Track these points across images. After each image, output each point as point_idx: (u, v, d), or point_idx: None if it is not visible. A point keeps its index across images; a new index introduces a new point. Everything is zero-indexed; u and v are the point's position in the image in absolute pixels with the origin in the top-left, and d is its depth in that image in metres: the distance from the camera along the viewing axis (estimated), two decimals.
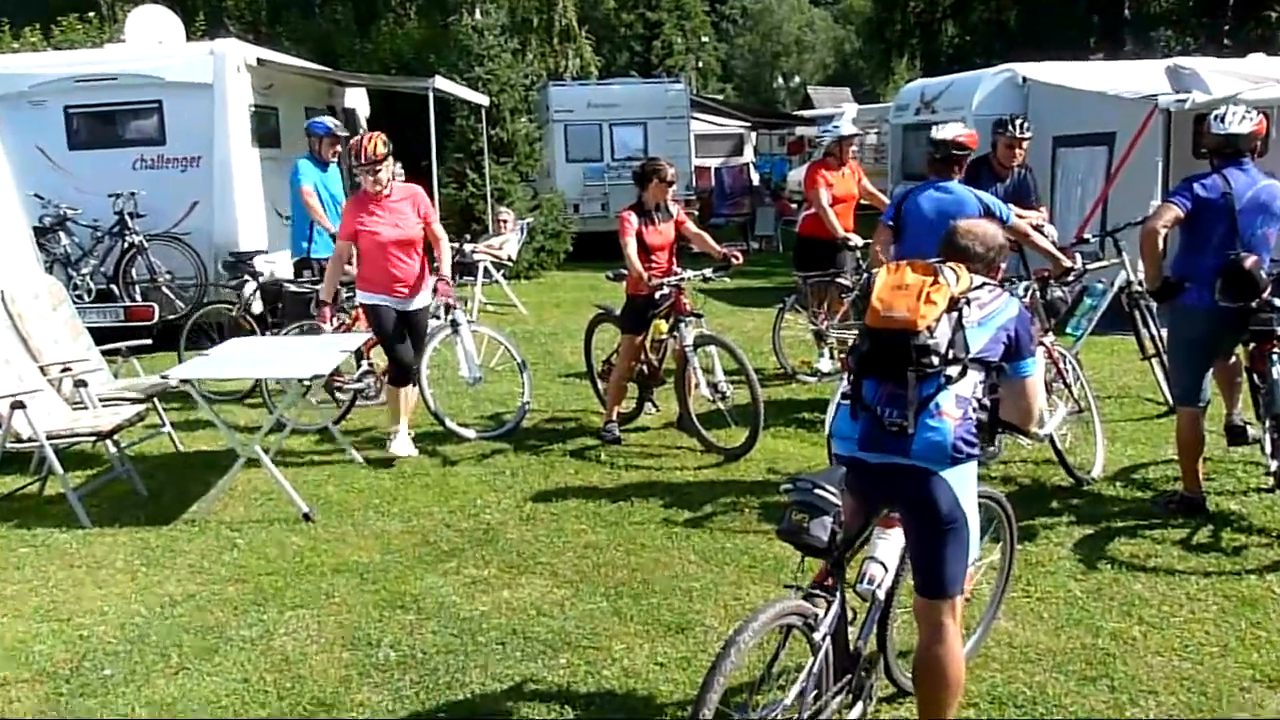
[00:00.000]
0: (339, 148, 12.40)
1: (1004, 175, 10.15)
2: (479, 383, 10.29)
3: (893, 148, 20.95)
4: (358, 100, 20.05)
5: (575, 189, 25.40)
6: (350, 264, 9.83)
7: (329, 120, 12.56)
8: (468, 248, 17.92)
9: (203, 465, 9.78)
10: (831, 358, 12.34)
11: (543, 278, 22.57)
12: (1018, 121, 10.08)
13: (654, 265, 9.84)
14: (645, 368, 10.33)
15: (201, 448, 10.39)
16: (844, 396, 4.91)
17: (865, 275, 11.22)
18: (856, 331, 7.56)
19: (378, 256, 9.44)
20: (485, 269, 18.27)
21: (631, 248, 9.65)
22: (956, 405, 4.67)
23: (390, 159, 9.46)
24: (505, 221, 20.07)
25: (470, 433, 10.40)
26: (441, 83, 17.88)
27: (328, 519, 8.38)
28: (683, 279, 9.78)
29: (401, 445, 9.84)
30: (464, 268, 17.56)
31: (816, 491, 4.63)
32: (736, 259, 9.80)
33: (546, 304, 19.06)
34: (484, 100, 22.01)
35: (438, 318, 10.27)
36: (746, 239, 27.16)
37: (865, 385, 4.79)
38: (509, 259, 19.45)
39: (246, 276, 13.45)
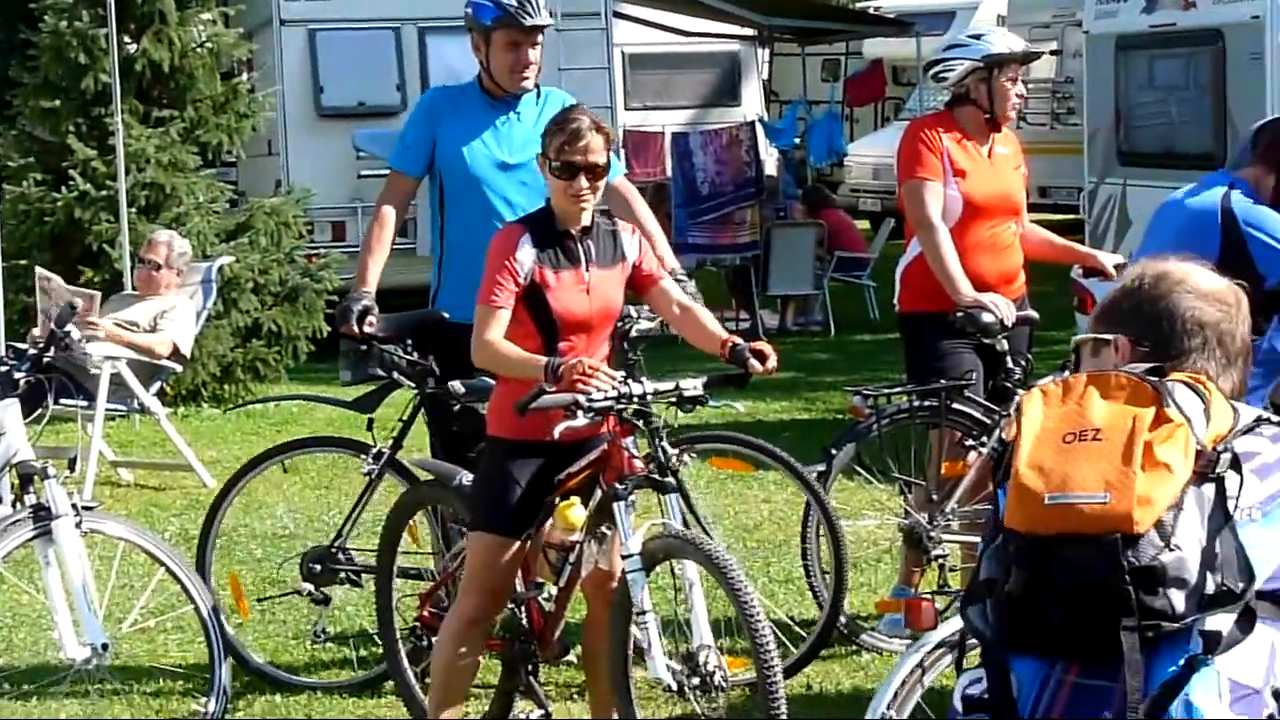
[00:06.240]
0: (531, 53, 5.93)
1: None
2: (98, 660, 5.61)
3: (1091, 88, 12.02)
4: None
5: (334, 184, 13.37)
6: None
7: None
8: (73, 327, 5.91)
9: None
10: (944, 588, 6.34)
11: (265, 409, 11.21)
12: None
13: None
14: (523, 613, 5.58)
15: None
16: (969, 704, 2.89)
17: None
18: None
19: None
20: (114, 378, 8.85)
21: (495, 328, 5.07)
22: (1234, 704, 2.76)
23: None
24: (163, 264, 9.51)
25: None
26: None
27: None
28: (635, 398, 5.10)
29: None
30: (52, 377, 6.17)
31: None
32: (765, 360, 5.22)
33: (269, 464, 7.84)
34: None
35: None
36: (751, 305, 14.70)
37: (1017, 670, 2.84)
38: (171, 354, 9.19)
39: None
